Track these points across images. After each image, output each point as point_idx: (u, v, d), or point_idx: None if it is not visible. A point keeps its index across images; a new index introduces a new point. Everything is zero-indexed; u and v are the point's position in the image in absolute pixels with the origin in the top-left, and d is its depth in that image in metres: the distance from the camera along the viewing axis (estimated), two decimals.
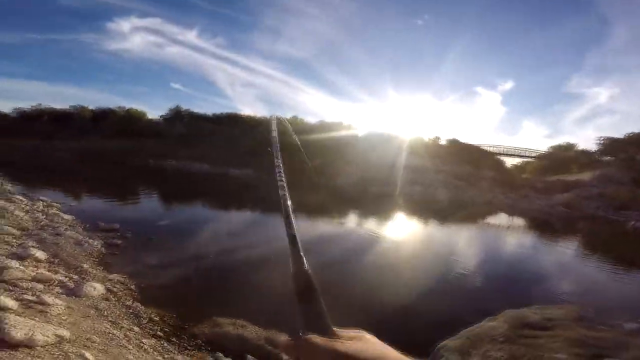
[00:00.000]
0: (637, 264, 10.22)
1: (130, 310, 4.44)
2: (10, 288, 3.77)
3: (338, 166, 28.93)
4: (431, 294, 6.23)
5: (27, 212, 8.51)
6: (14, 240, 6.03)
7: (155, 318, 4.35)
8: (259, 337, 4.01)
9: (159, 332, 4.02)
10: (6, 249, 5.44)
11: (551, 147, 37.14)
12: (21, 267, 4.36)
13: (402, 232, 12.45)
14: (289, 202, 0.60)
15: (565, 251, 11.99)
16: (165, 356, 3.52)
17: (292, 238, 0.53)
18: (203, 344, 3.88)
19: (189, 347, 3.81)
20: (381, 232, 11.21)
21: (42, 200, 10.23)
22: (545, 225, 18.67)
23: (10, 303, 3.17)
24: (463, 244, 11.85)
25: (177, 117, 40.34)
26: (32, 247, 5.61)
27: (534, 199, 27.08)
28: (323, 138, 29.41)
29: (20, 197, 10.08)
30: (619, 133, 39.49)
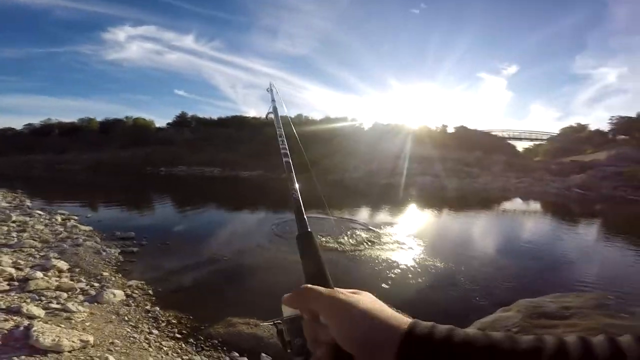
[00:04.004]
0: None
1: (150, 314, 4.60)
2: (37, 297, 3.99)
3: (345, 160, 28.93)
4: (441, 286, 6.18)
5: (46, 225, 8.87)
6: (37, 253, 6.34)
7: (173, 321, 4.50)
8: (272, 334, 4.11)
9: (177, 334, 4.16)
10: (30, 260, 5.74)
11: (562, 128, 36.37)
12: (45, 278, 4.59)
13: (407, 224, 12.37)
14: (296, 184, 0.68)
15: (583, 235, 11.67)
16: (184, 357, 3.66)
17: (297, 203, 0.61)
18: (219, 344, 4.00)
19: (205, 348, 3.94)
20: (385, 225, 11.15)
21: (60, 213, 10.61)
22: (562, 209, 18.28)
23: (38, 311, 3.37)
24: (475, 232, 11.73)
25: (183, 123, 40.93)
26: (54, 258, 5.89)
27: (548, 182, 26.56)
28: (328, 133, 29.38)
29: (39, 212, 10.50)
30: (631, 111, 38.66)
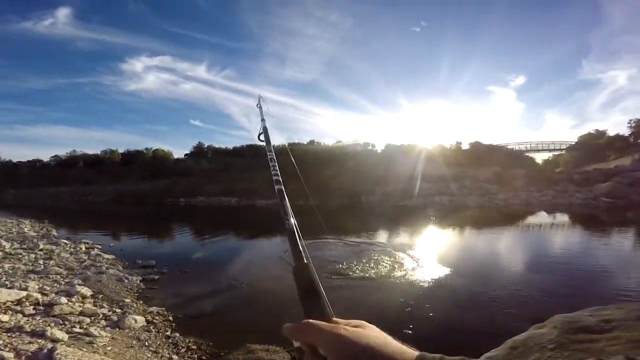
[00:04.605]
0: None
1: (170, 340, 4.57)
2: (61, 322, 4.06)
3: (359, 183, 28.84)
4: (467, 306, 5.93)
5: (71, 253, 9.16)
6: (62, 279, 6.55)
7: (193, 347, 4.44)
8: None
9: None
10: (56, 286, 5.92)
11: (580, 136, 35.34)
12: (69, 303, 4.68)
13: (427, 245, 12.00)
14: (287, 202, 0.64)
15: (617, 245, 11.03)
16: None
17: (291, 233, 0.57)
18: None
19: None
20: (405, 248, 10.85)
21: (84, 242, 10.94)
22: (590, 219, 17.48)
23: (61, 335, 3.41)
24: (500, 249, 11.26)
25: (200, 153, 42.20)
26: (78, 284, 6.03)
27: (573, 193, 25.55)
28: (340, 157, 29.57)
29: (65, 241, 10.88)
30: None
